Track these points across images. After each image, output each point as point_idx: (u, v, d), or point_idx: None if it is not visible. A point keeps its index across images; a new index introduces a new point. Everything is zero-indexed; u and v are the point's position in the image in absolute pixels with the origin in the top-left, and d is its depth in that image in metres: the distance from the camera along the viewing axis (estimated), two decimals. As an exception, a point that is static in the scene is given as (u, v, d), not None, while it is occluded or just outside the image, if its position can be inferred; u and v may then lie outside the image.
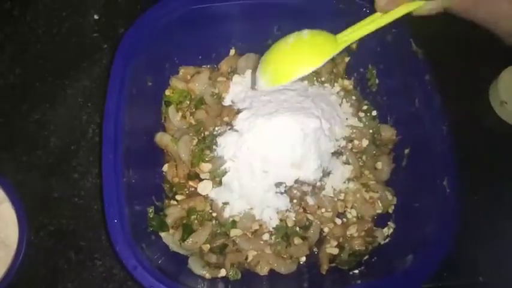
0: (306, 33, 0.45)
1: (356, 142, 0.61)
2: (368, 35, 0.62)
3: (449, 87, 0.62)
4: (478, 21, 0.39)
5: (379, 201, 0.59)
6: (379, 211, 0.59)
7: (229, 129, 0.58)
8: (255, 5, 0.61)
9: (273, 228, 0.57)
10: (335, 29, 0.63)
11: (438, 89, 0.57)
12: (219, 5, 0.60)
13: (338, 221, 0.59)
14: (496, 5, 0.37)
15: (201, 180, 0.58)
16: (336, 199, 0.59)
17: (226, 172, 0.57)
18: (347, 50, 0.66)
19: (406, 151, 0.59)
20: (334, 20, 0.62)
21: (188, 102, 0.63)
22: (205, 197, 0.58)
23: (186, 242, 0.55)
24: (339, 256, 0.56)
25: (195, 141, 0.59)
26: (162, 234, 0.56)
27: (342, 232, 0.58)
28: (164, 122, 0.63)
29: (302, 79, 0.64)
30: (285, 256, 0.56)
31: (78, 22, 0.72)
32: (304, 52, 0.45)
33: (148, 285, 0.47)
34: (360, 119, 0.63)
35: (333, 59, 0.66)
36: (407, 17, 0.61)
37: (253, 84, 0.59)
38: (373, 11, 0.61)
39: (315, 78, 0.65)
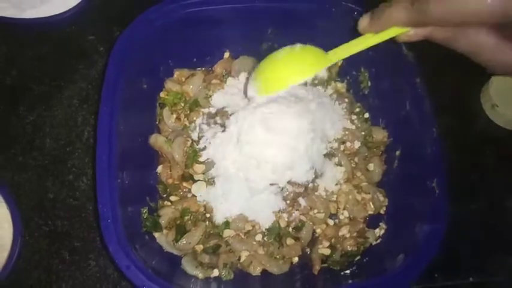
0: (298, 47, 0.48)
1: (348, 144, 0.62)
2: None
3: (441, 91, 0.63)
4: (460, 51, 0.38)
5: (370, 203, 0.60)
6: (370, 212, 0.60)
7: (222, 131, 0.58)
8: (248, 9, 0.62)
9: (266, 229, 0.57)
10: (327, 31, 0.64)
11: (429, 92, 0.58)
12: (213, 9, 0.61)
13: (330, 222, 0.60)
14: (475, 36, 0.36)
15: (194, 181, 0.59)
16: (328, 200, 0.59)
17: (219, 173, 0.57)
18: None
19: (397, 153, 0.60)
20: (326, 23, 0.63)
21: (182, 104, 0.63)
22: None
23: (179, 243, 0.55)
24: (331, 257, 0.57)
25: (189, 143, 0.60)
26: (156, 234, 0.56)
27: (334, 233, 0.58)
28: (159, 123, 0.63)
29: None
30: (278, 257, 0.57)
31: (74, 24, 0.73)
32: (294, 65, 0.48)
33: (141, 285, 0.47)
34: (352, 121, 0.64)
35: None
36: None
37: (246, 93, 0.60)
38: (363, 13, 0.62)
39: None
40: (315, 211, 0.59)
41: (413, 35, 0.40)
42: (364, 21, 0.43)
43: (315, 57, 0.48)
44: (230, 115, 0.58)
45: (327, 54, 0.48)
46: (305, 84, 0.65)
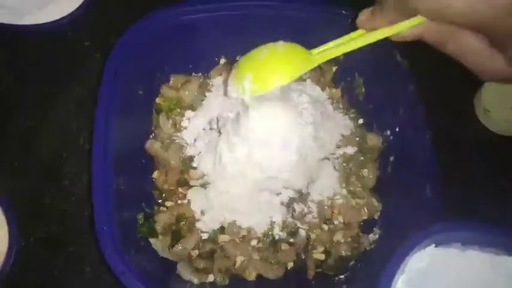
0: (281, 45, 0.45)
1: (343, 149, 0.63)
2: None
3: (434, 96, 0.63)
4: (449, 54, 0.39)
5: (365, 208, 0.60)
6: (365, 217, 0.60)
7: (217, 136, 0.59)
8: (244, 16, 0.63)
9: (261, 234, 0.58)
10: (323, 39, 0.65)
11: (422, 98, 0.58)
12: (209, 16, 0.62)
13: (325, 227, 0.60)
14: (463, 40, 0.37)
15: (190, 186, 0.59)
16: (323, 205, 0.60)
17: (215, 179, 0.58)
18: (334, 60, 0.67)
19: (391, 158, 0.61)
20: (322, 30, 0.64)
21: (178, 110, 0.64)
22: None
23: (174, 248, 0.55)
24: (325, 261, 0.57)
25: (184, 148, 0.60)
26: (152, 240, 0.56)
27: (328, 238, 0.59)
28: (154, 129, 0.64)
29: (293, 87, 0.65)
30: (273, 262, 0.57)
31: (71, 30, 0.73)
32: (277, 65, 0.45)
33: (136, 291, 0.47)
34: (346, 127, 0.64)
35: (320, 68, 0.68)
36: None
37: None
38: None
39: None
40: (310, 216, 0.59)
41: (405, 36, 0.40)
42: (364, 16, 0.42)
43: (300, 56, 0.45)
44: (225, 120, 0.58)
45: (311, 55, 0.45)
46: (302, 86, 0.65)
